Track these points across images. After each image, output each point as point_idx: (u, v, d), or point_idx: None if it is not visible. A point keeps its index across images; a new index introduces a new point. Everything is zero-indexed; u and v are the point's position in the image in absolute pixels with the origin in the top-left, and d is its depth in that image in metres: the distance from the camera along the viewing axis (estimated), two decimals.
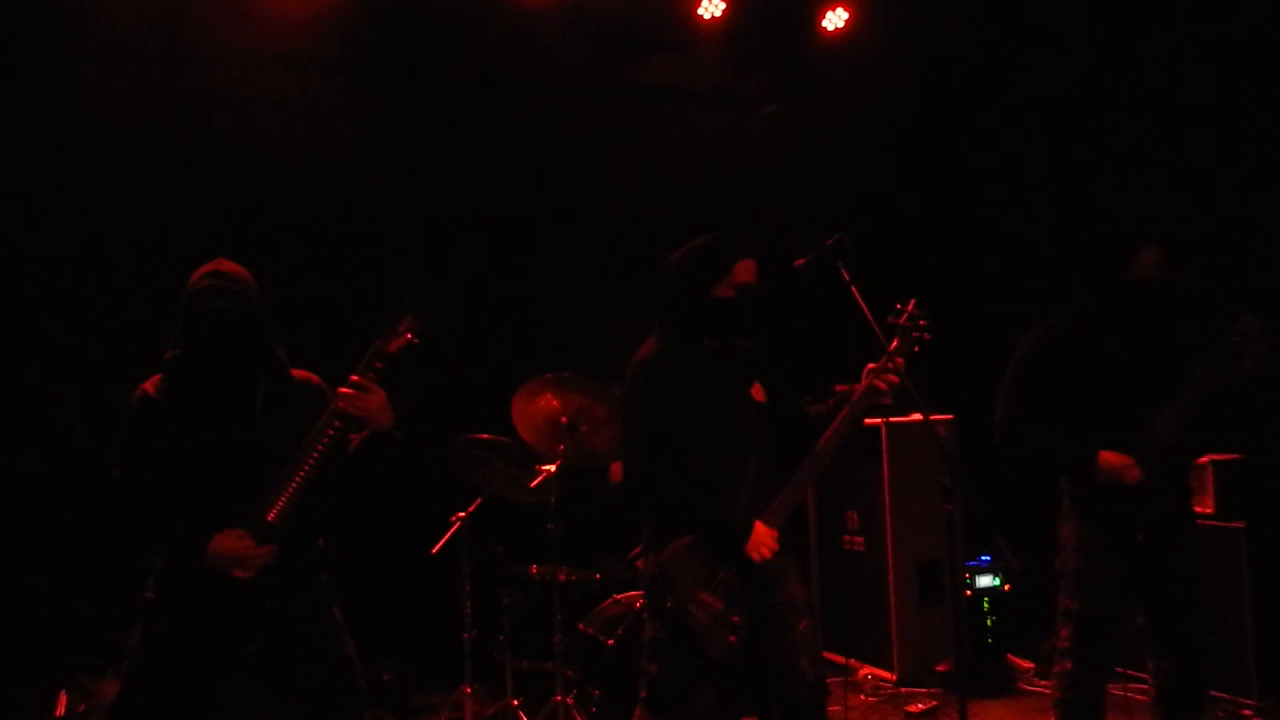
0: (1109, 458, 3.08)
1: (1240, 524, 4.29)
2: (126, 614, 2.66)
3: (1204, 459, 4.38)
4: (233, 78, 4.89)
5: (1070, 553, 3.22)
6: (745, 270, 2.90)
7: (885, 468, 5.06)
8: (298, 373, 2.76)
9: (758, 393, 2.98)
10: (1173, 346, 3.17)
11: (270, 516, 2.54)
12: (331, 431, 2.56)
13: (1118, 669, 3.28)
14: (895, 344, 2.88)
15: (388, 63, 5.29)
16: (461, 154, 5.45)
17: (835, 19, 5.53)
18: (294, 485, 2.54)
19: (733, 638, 2.75)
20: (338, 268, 5.10)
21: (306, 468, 2.55)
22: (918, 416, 4.68)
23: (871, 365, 2.88)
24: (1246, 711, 4.14)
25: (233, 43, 4.84)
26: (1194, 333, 3.21)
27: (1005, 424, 3.24)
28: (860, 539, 5.26)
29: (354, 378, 2.57)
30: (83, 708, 3.76)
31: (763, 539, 2.79)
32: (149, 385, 2.65)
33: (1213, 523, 4.33)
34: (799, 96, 6.00)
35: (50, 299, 4.64)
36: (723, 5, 5.33)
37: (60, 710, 3.78)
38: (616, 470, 4.27)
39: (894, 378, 2.83)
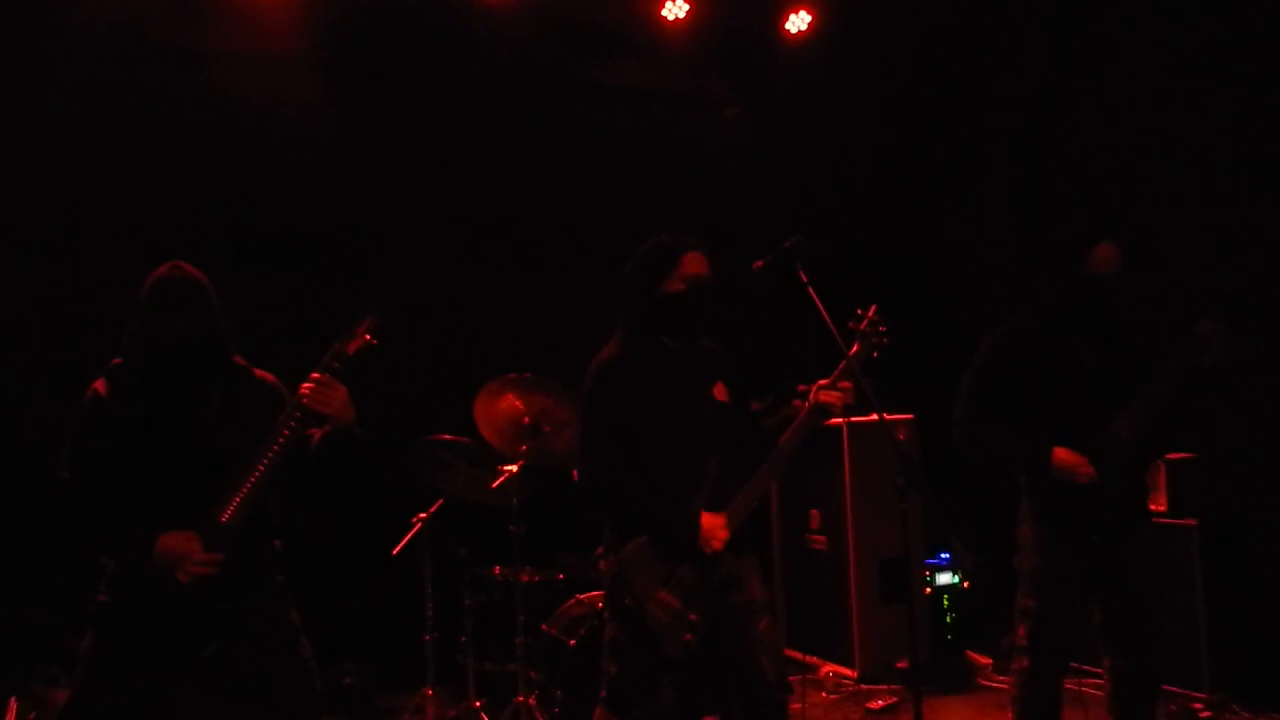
0: (1062, 456, 3.11)
1: (1193, 521, 4.37)
2: (79, 620, 2.62)
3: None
4: (203, 77, 4.84)
5: (1028, 552, 3.25)
6: (693, 262, 2.91)
7: (847, 467, 5.10)
8: (256, 372, 2.74)
9: (720, 393, 2.98)
10: (1132, 346, 3.21)
11: (224, 517, 2.50)
12: (290, 428, 2.53)
13: (1073, 664, 3.33)
14: (855, 349, 2.90)
15: (353, 62, 5.25)
16: (424, 153, 5.42)
17: (798, 21, 5.56)
18: (250, 485, 2.52)
19: (689, 636, 2.76)
20: (302, 265, 5.04)
21: (263, 466, 2.52)
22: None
23: (822, 381, 2.90)
24: (1198, 705, 4.22)
25: (202, 41, 4.80)
26: (1152, 333, 3.26)
27: (963, 421, 3.28)
28: (822, 537, 5.30)
29: (315, 375, 2.56)
30: (33, 716, 3.69)
31: (712, 530, 2.79)
32: (100, 385, 2.61)
33: (1166, 520, 4.41)
34: (761, 99, 6.03)
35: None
36: (686, 7, 5.35)
37: (10, 718, 3.71)
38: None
39: (840, 394, 2.85)
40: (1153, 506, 4.40)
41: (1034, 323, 3.27)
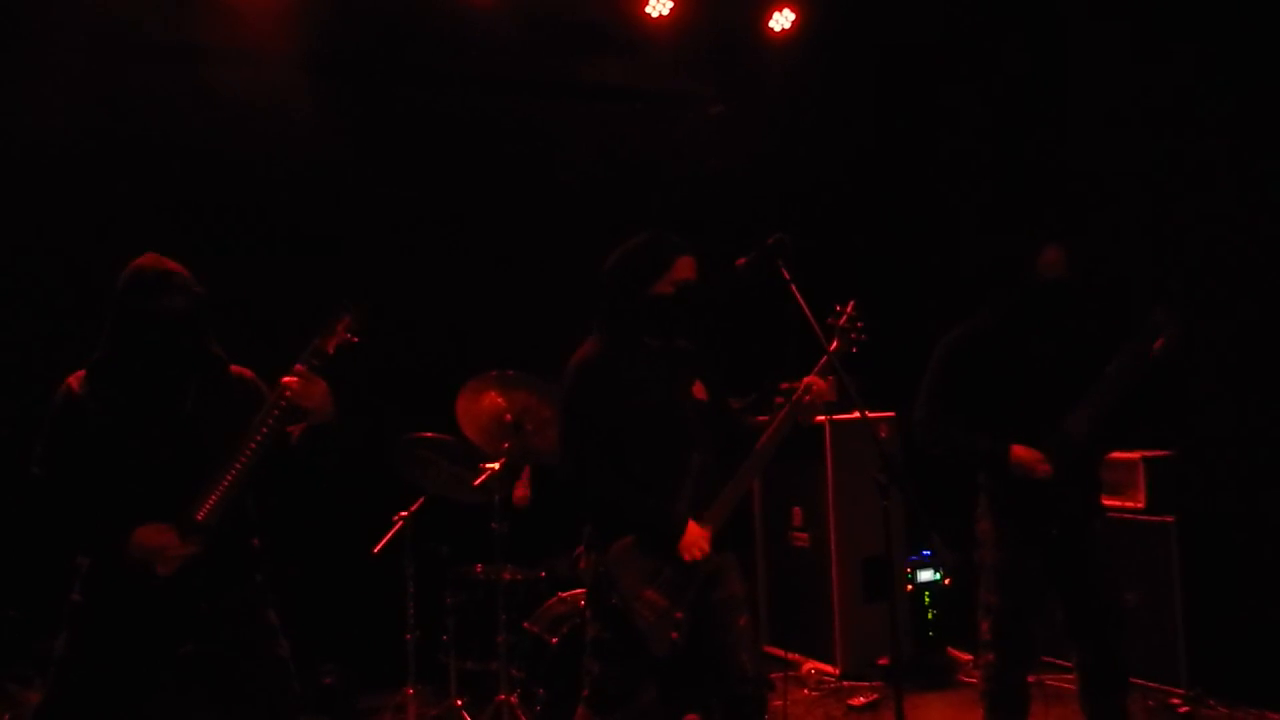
0: (1020, 452, 3.17)
1: (1170, 518, 4.41)
2: (53, 619, 2.59)
3: (1135, 455, 4.51)
4: (192, 73, 4.80)
5: (988, 548, 3.33)
6: (685, 267, 2.91)
7: (829, 465, 5.11)
8: (234, 368, 2.71)
9: (699, 391, 2.98)
10: (1085, 345, 3.27)
11: (199, 515, 2.47)
12: (269, 424, 2.51)
13: (1050, 660, 3.37)
14: (835, 345, 2.92)
15: (336, 59, 5.21)
16: (407, 151, 5.39)
17: (781, 20, 5.56)
18: (226, 482, 2.49)
19: (676, 634, 2.76)
20: (281, 261, 5.00)
21: (241, 463, 2.49)
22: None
23: (816, 379, 2.90)
24: (1176, 700, 4.26)
25: (192, 38, 4.76)
26: (1105, 331, 3.32)
27: (923, 421, 3.34)
28: (805, 535, 5.31)
29: (298, 367, 2.53)
30: (7, 717, 3.65)
31: (696, 540, 2.79)
32: (74, 381, 2.58)
33: (1144, 517, 4.45)
34: (746, 97, 6.03)
35: None
36: (670, 4, 5.34)
37: None
38: None
39: (824, 386, 2.86)
40: (1132, 504, 4.47)
41: (988, 325, 3.34)
